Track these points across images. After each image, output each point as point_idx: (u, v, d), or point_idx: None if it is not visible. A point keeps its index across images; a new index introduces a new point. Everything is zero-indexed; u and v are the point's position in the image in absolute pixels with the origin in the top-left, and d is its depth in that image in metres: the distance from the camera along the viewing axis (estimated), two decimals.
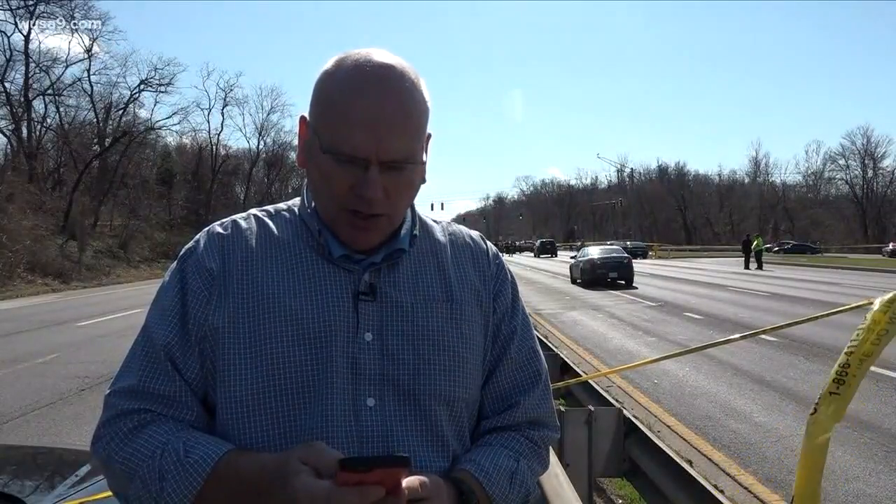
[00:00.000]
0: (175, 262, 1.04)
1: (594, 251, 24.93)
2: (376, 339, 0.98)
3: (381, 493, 0.74)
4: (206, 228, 1.07)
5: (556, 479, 2.55)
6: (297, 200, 1.10)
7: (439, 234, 1.11)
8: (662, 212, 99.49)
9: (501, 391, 1.08)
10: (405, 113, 0.94)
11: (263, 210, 1.09)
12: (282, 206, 1.10)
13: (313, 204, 1.03)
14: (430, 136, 1.02)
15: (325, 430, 0.93)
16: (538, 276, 31.00)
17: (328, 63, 0.98)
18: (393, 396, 0.97)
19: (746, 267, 31.80)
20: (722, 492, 3.08)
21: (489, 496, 0.97)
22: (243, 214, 1.08)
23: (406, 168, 0.95)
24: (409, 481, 0.80)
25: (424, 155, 1.00)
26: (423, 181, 1.04)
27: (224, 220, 1.07)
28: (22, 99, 38.39)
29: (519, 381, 1.09)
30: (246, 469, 0.88)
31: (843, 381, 1.67)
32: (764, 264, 32.26)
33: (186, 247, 1.05)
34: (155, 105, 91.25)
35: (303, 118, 1.02)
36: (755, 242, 32.61)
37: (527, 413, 1.08)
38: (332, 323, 0.97)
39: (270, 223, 1.05)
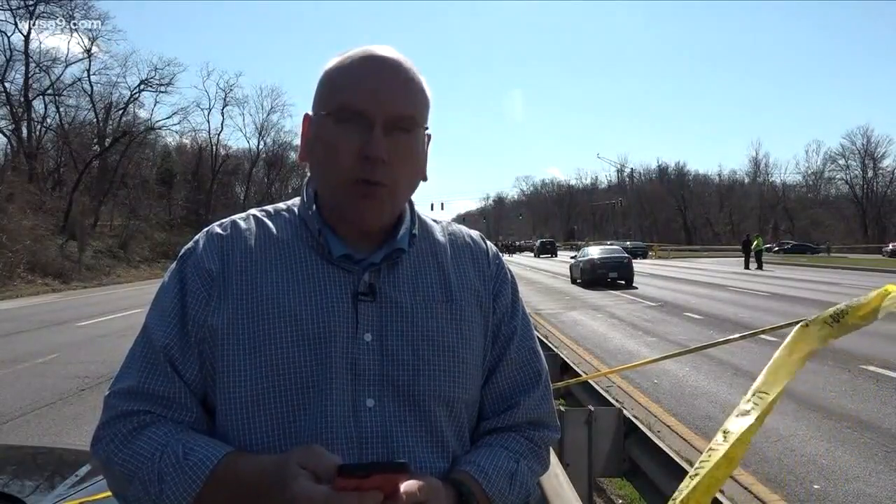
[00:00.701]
0: (174, 263, 1.04)
1: (594, 251, 24.91)
2: (376, 340, 0.98)
3: (380, 499, 0.75)
4: (206, 229, 1.06)
5: (556, 479, 2.55)
6: (296, 200, 1.09)
7: (439, 235, 1.11)
8: (662, 212, 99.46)
9: (501, 392, 1.08)
10: (408, 80, 0.98)
11: (263, 210, 1.09)
12: (281, 206, 1.10)
13: (314, 206, 1.03)
14: (430, 136, 1.03)
15: (325, 431, 0.93)
16: (538, 276, 31.00)
17: (331, 60, 1.01)
18: (392, 397, 0.97)
19: (746, 267, 31.79)
20: (722, 492, 3.08)
21: (489, 497, 0.97)
22: (243, 215, 1.08)
23: (409, 132, 0.97)
24: (407, 485, 0.80)
25: (425, 146, 1.03)
26: (425, 178, 1.05)
27: (223, 220, 1.07)
28: (22, 99, 38.41)
29: (519, 381, 1.09)
30: (245, 471, 0.88)
31: (839, 321, 1.79)
32: (764, 264, 32.25)
33: (186, 247, 1.05)
34: (155, 105, 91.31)
35: (306, 116, 1.03)
36: (755, 242, 32.60)
37: (527, 413, 1.08)
38: (331, 324, 0.96)
39: (270, 223, 1.05)
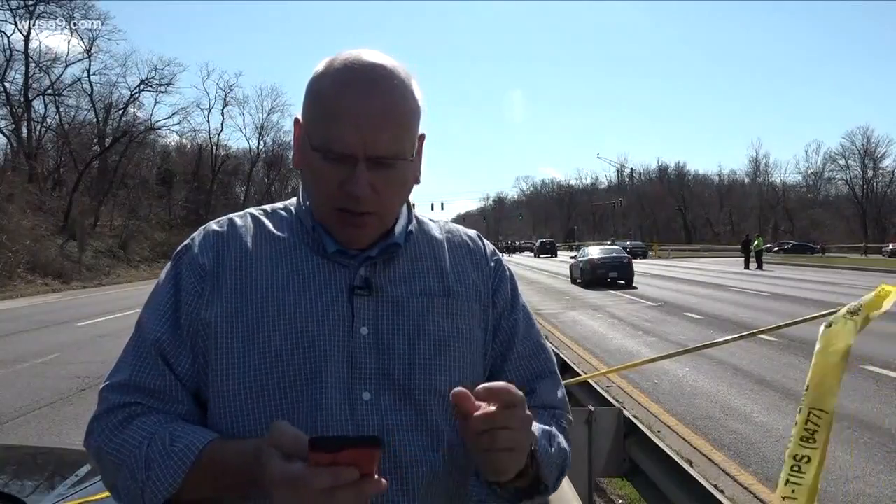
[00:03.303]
0: (171, 261, 1.05)
1: (594, 251, 24.91)
2: (372, 334, 0.98)
3: (356, 475, 0.73)
4: (203, 226, 1.07)
5: None
6: (294, 200, 1.10)
7: (436, 232, 1.11)
8: (662, 212, 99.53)
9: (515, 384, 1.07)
10: (393, 109, 0.93)
11: (260, 209, 1.09)
12: (279, 205, 1.11)
13: (308, 203, 1.03)
14: (423, 136, 1.02)
15: (321, 424, 0.93)
16: (538, 276, 31.01)
17: (319, 64, 0.99)
18: (388, 391, 0.97)
19: (746, 267, 31.81)
20: (722, 492, 3.07)
21: (533, 451, 0.94)
22: (240, 213, 1.09)
23: (395, 165, 0.94)
24: (496, 387, 0.85)
25: (416, 154, 1.00)
26: (417, 181, 1.03)
27: (221, 218, 1.08)
28: (22, 99, 38.42)
29: (531, 373, 1.09)
30: (229, 456, 0.89)
31: (858, 313, 1.82)
32: (764, 264, 32.27)
33: (182, 244, 1.05)
34: (155, 105, 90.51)
35: (296, 119, 1.02)
36: (755, 242, 32.62)
37: (543, 399, 1.08)
38: (326, 317, 0.97)
39: (266, 221, 1.06)
